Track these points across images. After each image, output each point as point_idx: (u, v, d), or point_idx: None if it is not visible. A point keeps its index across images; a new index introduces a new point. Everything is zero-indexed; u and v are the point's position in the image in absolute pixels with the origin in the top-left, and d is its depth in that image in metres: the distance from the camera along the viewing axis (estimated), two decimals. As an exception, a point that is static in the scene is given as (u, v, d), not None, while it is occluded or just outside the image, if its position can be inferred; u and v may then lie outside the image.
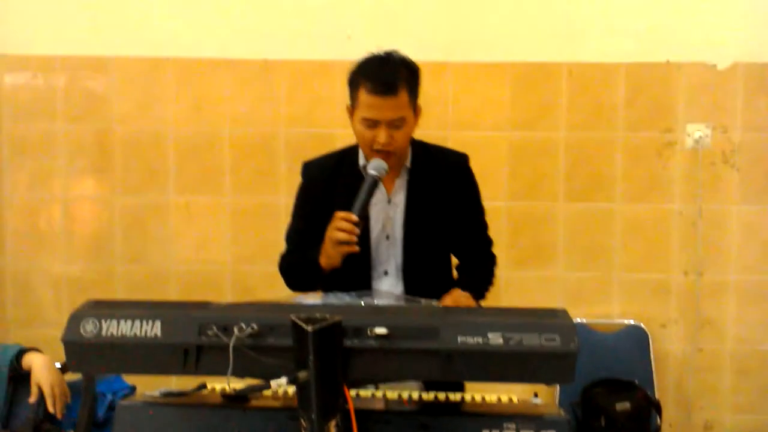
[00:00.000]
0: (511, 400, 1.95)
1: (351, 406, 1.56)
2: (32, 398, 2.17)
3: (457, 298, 2.17)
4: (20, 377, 2.22)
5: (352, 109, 2.24)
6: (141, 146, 3.62)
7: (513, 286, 3.53)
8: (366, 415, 1.66)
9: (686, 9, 3.46)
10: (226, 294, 3.56)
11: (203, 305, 1.69)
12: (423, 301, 2.02)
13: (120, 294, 3.61)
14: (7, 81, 3.64)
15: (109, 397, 2.32)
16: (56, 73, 3.62)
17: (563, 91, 3.51)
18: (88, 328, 1.61)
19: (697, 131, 3.49)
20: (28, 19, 3.60)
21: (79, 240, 3.68)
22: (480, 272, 2.39)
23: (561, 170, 3.54)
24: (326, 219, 2.18)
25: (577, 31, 3.49)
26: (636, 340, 3.52)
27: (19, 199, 3.67)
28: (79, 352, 1.63)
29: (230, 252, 3.62)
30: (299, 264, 2.32)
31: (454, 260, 2.46)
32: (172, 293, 3.60)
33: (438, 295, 2.18)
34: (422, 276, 2.29)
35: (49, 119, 3.63)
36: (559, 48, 3.49)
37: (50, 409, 2.15)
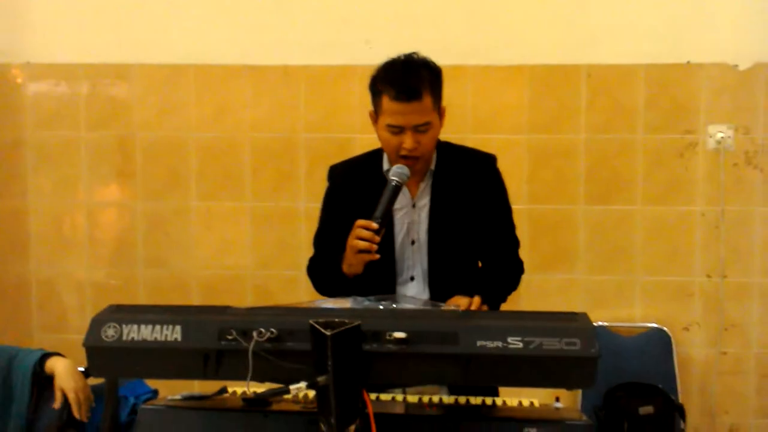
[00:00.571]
0: (532, 404, 1.94)
1: (370, 410, 1.56)
2: (56, 404, 2.18)
3: (458, 303, 2.11)
4: (43, 381, 2.24)
5: (375, 115, 2.21)
6: (162, 152, 3.65)
7: (534, 290, 3.51)
8: (386, 419, 1.66)
9: (706, 9, 3.43)
10: (246, 298, 3.59)
11: (223, 310, 1.70)
12: (443, 305, 2.02)
13: (142, 299, 3.65)
14: (31, 89, 3.69)
15: (132, 400, 2.34)
16: (79, 80, 3.67)
17: (582, 93, 3.50)
18: (110, 332, 1.63)
19: (719, 132, 3.45)
20: (51, 28, 3.65)
21: (102, 245, 3.72)
22: (501, 277, 2.34)
23: (581, 173, 3.52)
24: (352, 222, 2.16)
25: (595, 33, 3.47)
26: (659, 343, 3.49)
27: (43, 205, 3.71)
28: (101, 356, 1.65)
29: (251, 256, 3.64)
30: (324, 270, 2.31)
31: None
32: (194, 298, 3.63)
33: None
34: (449, 281, 2.24)
35: (72, 126, 3.68)
36: (577, 50, 3.47)
37: (76, 414, 2.17)
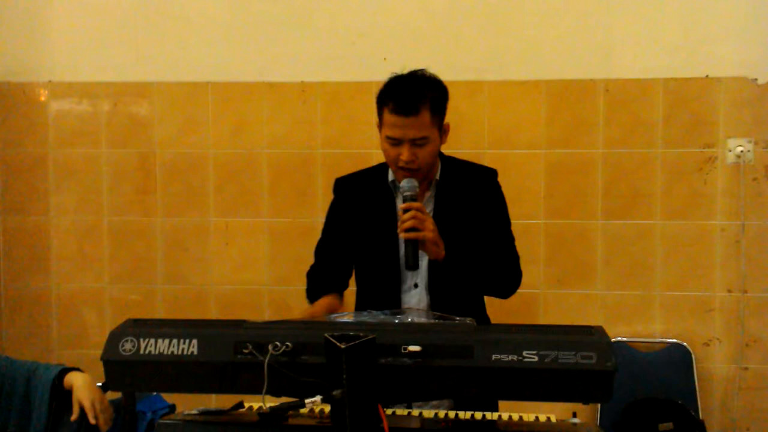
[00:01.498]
0: (549, 419, 1.93)
1: (386, 424, 1.55)
2: (73, 416, 2.20)
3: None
4: (62, 396, 2.25)
5: (379, 126, 2.29)
6: (182, 169, 3.69)
7: (551, 305, 3.50)
8: (401, 434, 1.66)
9: (724, 23, 3.42)
10: (264, 314, 3.59)
11: (239, 323, 1.70)
12: (458, 319, 2.02)
13: (161, 314, 3.67)
14: (54, 107, 3.74)
15: (149, 415, 2.35)
16: (100, 99, 3.72)
17: (600, 107, 3.49)
18: (127, 346, 1.64)
19: (738, 146, 3.43)
20: (72, 47, 3.70)
21: (122, 261, 3.75)
22: (492, 258, 2.34)
23: (599, 187, 3.51)
24: (356, 234, 2.28)
25: (613, 47, 3.47)
26: (679, 359, 3.46)
27: (65, 222, 3.76)
28: (118, 370, 1.66)
29: (268, 272, 3.65)
30: (320, 281, 2.40)
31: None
32: (212, 313, 3.65)
33: (466, 309, 2.16)
34: (452, 287, 2.29)
35: (93, 144, 3.73)
36: (595, 64, 3.47)
37: (91, 420, 2.17)
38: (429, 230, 2.17)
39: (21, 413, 2.28)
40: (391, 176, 2.35)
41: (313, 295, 2.40)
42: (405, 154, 2.20)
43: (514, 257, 2.41)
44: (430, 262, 2.31)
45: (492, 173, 2.41)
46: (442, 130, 2.28)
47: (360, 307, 2.38)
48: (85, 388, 2.20)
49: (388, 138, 2.22)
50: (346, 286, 2.46)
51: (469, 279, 2.31)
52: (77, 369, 2.31)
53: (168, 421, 1.83)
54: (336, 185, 2.47)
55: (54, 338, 3.75)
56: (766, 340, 3.45)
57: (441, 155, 2.37)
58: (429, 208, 2.34)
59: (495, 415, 1.93)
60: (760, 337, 3.46)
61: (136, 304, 3.70)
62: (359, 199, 2.38)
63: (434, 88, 2.24)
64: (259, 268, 3.65)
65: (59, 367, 2.29)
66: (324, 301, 2.29)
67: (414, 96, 2.18)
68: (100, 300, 3.74)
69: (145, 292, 3.72)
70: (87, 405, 2.18)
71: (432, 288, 2.32)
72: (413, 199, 2.21)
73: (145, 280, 3.72)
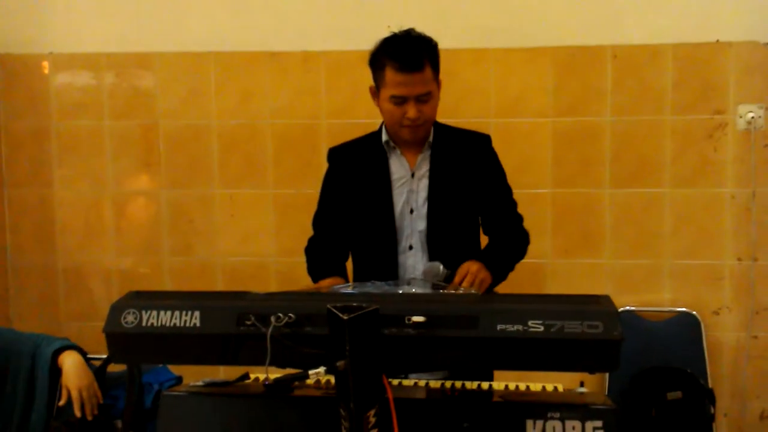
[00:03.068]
0: (556, 389, 1.92)
1: (390, 395, 1.54)
2: (61, 401, 2.20)
3: (469, 266, 2.15)
4: (60, 374, 2.25)
5: (377, 89, 2.30)
6: (186, 140, 3.66)
7: (559, 275, 3.48)
8: (407, 404, 1.65)
9: (735, -14, 3.35)
10: (270, 286, 3.58)
11: (241, 295, 1.70)
12: (462, 288, 2.00)
13: (168, 287, 3.66)
14: (56, 79, 3.71)
15: (156, 387, 2.35)
16: (102, 70, 3.69)
17: (608, 74, 3.44)
18: (129, 319, 1.64)
19: (749, 112, 3.38)
20: (74, 18, 3.67)
21: (127, 234, 3.74)
22: (507, 247, 2.38)
23: (607, 156, 3.47)
24: (351, 202, 2.30)
25: (621, 13, 3.41)
26: (688, 327, 3.44)
27: (69, 195, 3.75)
28: (121, 343, 1.66)
29: (274, 244, 3.64)
30: (321, 252, 2.41)
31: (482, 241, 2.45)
32: (218, 285, 3.64)
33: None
34: (447, 248, 2.30)
35: (96, 116, 3.70)
36: (603, 30, 3.41)
37: (77, 413, 2.17)
38: (486, 284, 2.15)
39: (27, 387, 2.28)
40: (385, 137, 2.35)
41: (315, 270, 2.38)
42: (411, 111, 2.22)
43: (519, 227, 2.42)
44: (429, 223, 2.31)
45: (486, 139, 2.41)
46: (438, 86, 2.29)
47: (357, 271, 2.38)
48: (73, 374, 2.20)
49: (393, 97, 2.23)
50: (348, 256, 2.45)
51: (507, 273, 2.32)
52: (74, 347, 2.30)
53: (173, 393, 1.83)
54: (330, 154, 2.47)
55: (61, 311, 3.76)
56: (776, 309, 3.43)
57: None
58: (424, 170, 2.34)
59: (501, 385, 1.93)
60: (769, 306, 3.44)
61: (142, 277, 3.69)
62: (354, 166, 2.38)
63: (430, 44, 2.28)
64: (264, 239, 3.64)
65: (59, 343, 2.29)
66: (328, 280, 2.25)
67: (416, 52, 2.21)
68: (106, 273, 3.74)
69: (152, 265, 3.72)
70: (74, 395, 2.18)
71: (431, 247, 2.31)
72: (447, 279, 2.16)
73: (151, 252, 3.72)
